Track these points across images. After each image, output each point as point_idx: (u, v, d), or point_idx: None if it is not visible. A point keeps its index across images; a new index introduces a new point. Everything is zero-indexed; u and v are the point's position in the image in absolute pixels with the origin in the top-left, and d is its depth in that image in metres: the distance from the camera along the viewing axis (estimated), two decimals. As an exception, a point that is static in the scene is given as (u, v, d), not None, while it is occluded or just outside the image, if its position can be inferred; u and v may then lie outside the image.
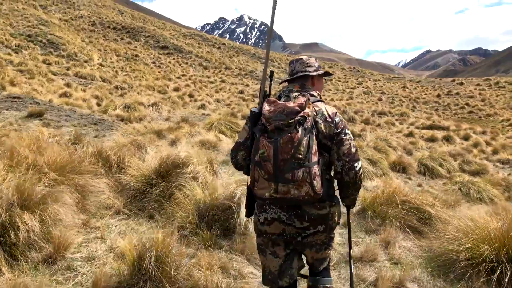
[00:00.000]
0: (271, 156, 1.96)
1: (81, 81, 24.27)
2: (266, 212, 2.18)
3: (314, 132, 2.05)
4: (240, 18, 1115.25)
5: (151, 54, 47.23)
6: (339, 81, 52.34)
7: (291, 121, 1.99)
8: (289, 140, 1.96)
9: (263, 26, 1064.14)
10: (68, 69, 28.36)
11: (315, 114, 2.14)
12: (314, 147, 2.03)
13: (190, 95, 25.66)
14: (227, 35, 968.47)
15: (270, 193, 2.01)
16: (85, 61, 34.21)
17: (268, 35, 2.36)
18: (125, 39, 50.66)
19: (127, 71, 36.22)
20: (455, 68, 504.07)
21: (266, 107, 2.08)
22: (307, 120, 2.03)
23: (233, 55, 57.48)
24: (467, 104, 36.99)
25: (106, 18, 57.51)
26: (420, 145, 14.80)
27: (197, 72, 43.51)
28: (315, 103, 2.22)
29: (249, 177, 2.19)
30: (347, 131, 2.23)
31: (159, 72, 39.41)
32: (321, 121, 2.16)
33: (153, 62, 43.61)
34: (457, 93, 43.71)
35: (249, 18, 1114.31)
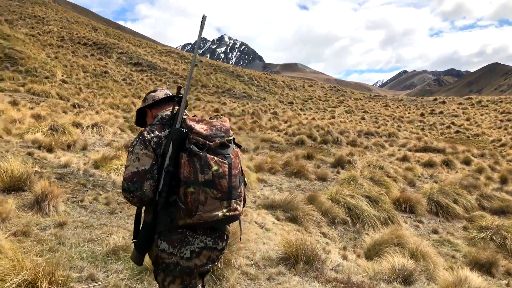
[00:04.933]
0: (227, 172, 1.91)
1: (32, 99, 21.39)
2: (191, 244, 1.97)
3: None
4: (221, 39, 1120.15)
5: (123, 71, 44.54)
6: (320, 99, 50.68)
7: (231, 137, 2.04)
8: (236, 155, 2.01)
9: (243, 47, 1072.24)
10: (23, 85, 25.45)
11: None
12: None
13: (158, 114, 23.07)
14: (208, 55, 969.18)
15: (224, 212, 1.92)
16: (46, 77, 31.31)
17: (196, 46, 2.24)
18: (95, 55, 47.87)
19: (93, 88, 33.45)
20: (430, 88, 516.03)
21: (196, 125, 1.99)
22: (235, 139, 2.11)
23: (211, 73, 55.23)
24: (452, 123, 35.46)
25: (77, 34, 54.65)
26: (420, 173, 12.56)
27: (171, 89, 40.96)
28: None
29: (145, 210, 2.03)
30: None
31: (129, 89, 36.72)
32: None
33: (124, 79, 40.93)
34: (441, 112, 42.45)
35: (230, 39, 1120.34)
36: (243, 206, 2.07)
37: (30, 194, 4.29)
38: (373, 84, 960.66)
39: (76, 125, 10.34)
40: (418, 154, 16.86)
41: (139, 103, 27.93)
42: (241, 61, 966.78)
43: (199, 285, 2.16)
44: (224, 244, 2.11)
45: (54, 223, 3.73)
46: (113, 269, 3.15)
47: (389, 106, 48.89)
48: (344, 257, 6.46)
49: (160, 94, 2.29)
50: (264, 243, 5.56)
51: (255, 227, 6.76)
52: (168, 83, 44.08)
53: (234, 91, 45.13)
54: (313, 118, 29.39)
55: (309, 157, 12.91)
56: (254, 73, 66.99)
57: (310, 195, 8.31)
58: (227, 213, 1.92)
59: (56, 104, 20.94)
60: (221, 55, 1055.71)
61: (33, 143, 7.82)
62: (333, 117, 34.10)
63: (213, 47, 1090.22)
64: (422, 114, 41.04)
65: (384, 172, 11.11)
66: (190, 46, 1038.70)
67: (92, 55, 47.72)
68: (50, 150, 7.70)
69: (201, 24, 2.08)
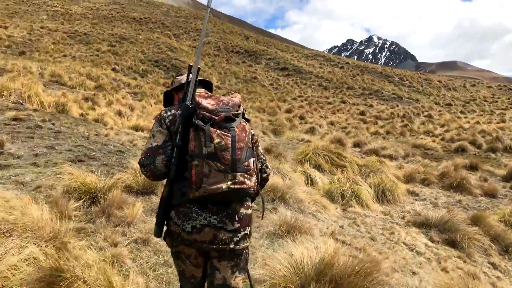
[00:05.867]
0: (230, 145, 1.95)
1: (191, 103, 23.65)
2: (193, 219, 2.00)
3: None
4: (369, 39, 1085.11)
5: (270, 76, 46.30)
6: (486, 101, 44.20)
7: (238, 111, 2.06)
8: (243, 128, 2.02)
9: (393, 46, 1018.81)
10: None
11: None
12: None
13: (301, 117, 23.06)
14: (355, 57, 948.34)
15: (228, 184, 1.93)
16: (203, 84, 34.44)
17: (203, 29, 2.26)
18: (246, 62, 50.93)
19: (243, 93, 35.51)
20: None
21: (204, 101, 2.06)
22: (245, 114, 2.13)
23: (357, 74, 53.39)
24: None
25: (230, 43, 59.12)
26: None
27: (315, 92, 40.92)
28: None
29: (164, 185, 2.08)
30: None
31: (275, 93, 37.92)
32: None
33: (271, 84, 42.47)
34: None
35: (379, 39, 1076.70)
36: (257, 181, 2.07)
37: (158, 198, 4.26)
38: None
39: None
40: None
41: (284, 107, 28.46)
42: (390, 61, 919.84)
43: (220, 269, 2.11)
44: (237, 226, 2.04)
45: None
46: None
47: None
48: (525, 301, 5.05)
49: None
50: (413, 273, 4.60)
51: (403, 249, 5.79)
52: (313, 86, 44.14)
53: (382, 93, 42.64)
54: (477, 122, 25.54)
55: (472, 167, 11.01)
56: (405, 73, 62.43)
57: (474, 215, 6.92)
58: (231, 186, 1.93)
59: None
60: (369, 56, 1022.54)
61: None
62: (503, 121, 29.14)
63: (361, 48, 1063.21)
64: None
65: None
66: (337, 48, 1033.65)
67: (243, 62, 50.88)
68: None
69: (207, 7, 2.25)
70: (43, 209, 3.05)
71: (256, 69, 47.92)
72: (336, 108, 31.10)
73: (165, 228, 2.10)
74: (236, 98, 2.12)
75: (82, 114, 11.45)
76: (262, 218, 2.39)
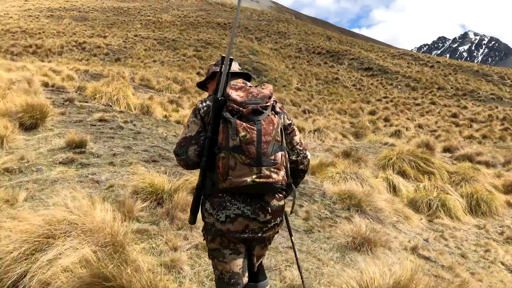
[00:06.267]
0: (255, 138, 1.93)
1: (270, 105, 23.74)
2: (228, 208, 2.02)
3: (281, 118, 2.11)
4: (464, 36, 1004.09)
5: (353, 76, 44.82)
6: None
7: (267, 104, 2.03)
8: (270, 121, 1.99)
9: (492, 42, 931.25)
10: (264, 94, 28.63)
11: None
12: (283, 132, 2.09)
13: (386, 119, 21.85)
14: (447, 55, 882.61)
15: (253, 178, 1.92)
16: (283, 86, 34.45)
17: (236, 19, 2.32)
18: (328, 63, 49.91)
19: (323, 95, 34.83)
20: None
21: (233, 93, 2.05)
22: (276, 106, 2.11)
23: (449, 74, 49.39)
24: None
25: (312, 44, 58.41)
26: None
27: (402, 93, 38.68)
28: None
29: (199, 174, 2.12)
30: (293, 122, 2.29)
31: (358, 94, 36.57)
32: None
33: (354, 85, 41.09)
34: None
35: (475, 35, 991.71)
36: (287, 176, 2.05)
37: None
38: None
39: (300, 130, 10.45)
40: None
41: (367, 108, 27.25)
42: (489, 59, 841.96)
43: (244, 250, 2.16)
44: (269, 217, 2.05)
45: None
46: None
47: None
48: None
49: (234, 66, 2.31)
50: (517, 303, 3.91)
51: (500, 270, 5.02)
52: (399, 86, 41.83)
53: (478, 93, 38.96)
54: None
55: None
56: (507, 71, 56.36)
57: None
58: (256, 179, 1.92)
59: (288, 110, 22.51)
60: (464, 54, 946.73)
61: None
62: None
63: (454, 45, 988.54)
64: None
65: None
66: (427, 47, 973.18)
67: (325, 63, 49.95)
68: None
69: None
70: (108, 209, 3.05)
71: (338, 70, 46.73)
72: (425, 110, 29.07)
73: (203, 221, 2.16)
74: (267, 89, 2.08)
75: (165, 116, 11.92)
76: (291, 213, 2.39)
